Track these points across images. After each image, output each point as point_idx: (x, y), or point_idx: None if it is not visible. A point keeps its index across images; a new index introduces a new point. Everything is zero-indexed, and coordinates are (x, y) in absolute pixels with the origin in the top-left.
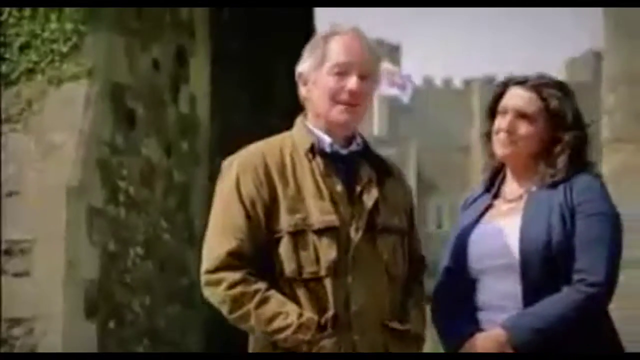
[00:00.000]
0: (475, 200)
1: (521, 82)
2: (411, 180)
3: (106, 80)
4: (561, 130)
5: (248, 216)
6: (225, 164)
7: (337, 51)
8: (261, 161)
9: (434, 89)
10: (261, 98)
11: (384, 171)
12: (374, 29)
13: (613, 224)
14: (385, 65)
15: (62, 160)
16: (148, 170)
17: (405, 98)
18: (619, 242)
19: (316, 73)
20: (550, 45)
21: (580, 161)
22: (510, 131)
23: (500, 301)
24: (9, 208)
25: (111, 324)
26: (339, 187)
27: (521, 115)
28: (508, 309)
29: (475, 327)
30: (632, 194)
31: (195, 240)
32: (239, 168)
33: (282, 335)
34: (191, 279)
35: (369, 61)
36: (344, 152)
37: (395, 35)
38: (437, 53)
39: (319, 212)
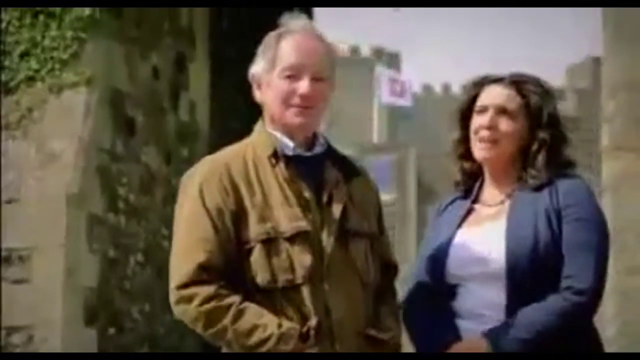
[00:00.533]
0: (451, 204)
1: (498, 80)
2: (411, 187)
3: (106, 87)
4: (539, 128)
5: (215, 227)
6: (186, 176)
7: (288, 52)
8: (225, 170)
9: (433, 95)
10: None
11: (351, 172)
12: (374, 37)
13: (600, 229)
14: (386, 73)
15: (61, 168)
16: (148, 177)
17: (407, 103)
18: (606, 247)
19: (269, 76)
20: (551, 52)
21: (560, 161)
22: (492, 127)
23: (481, 310)
24: (9, 215)
25: (111, 331)
26: (306, 192)
27: (502, 111)
28: (489, 317)
29: (452, 335)
30: (632, 201)
31: None
32: (202, 179)
33: (263, 349)
34: None
35: (322, 61)
36: (307, 154)
37: (394, 43)
38: (436, 60)
39: (288, 219)
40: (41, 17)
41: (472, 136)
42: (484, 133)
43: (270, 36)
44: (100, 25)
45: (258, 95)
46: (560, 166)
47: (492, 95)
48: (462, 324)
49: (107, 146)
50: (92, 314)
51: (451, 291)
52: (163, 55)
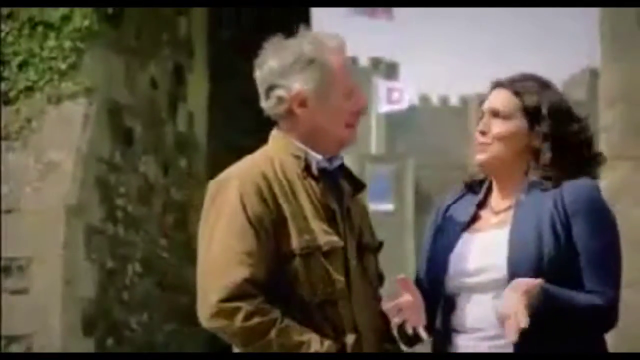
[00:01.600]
0: (454, 205)
1: (495, 85)
2: (409, 197)
3: (104, 98)
4: (537, 125)
5: (259, 238)
6: (217, 184)
7: (343, 73)
8: (262, 179)
9: (431, 106)
10: (259, 116)
11: (357, 185)
12: (371, 47)
13: (611, 231)
14: (384, 83)
15: (60, 178)
16: (146, 188)
17: (403, 107)
18: (620, 250)
19: (323, 96)
20: (549, 63)
21: (570, 160)
22: (484, 131)
23: (479, 323)
24: (7, 225)
25: (109, 342)
26: (334, 205)
27: (494, 113)
28: (487, 332)
29: (450, 347)
30: (630, 211)
31: (195, 258)
32: (241, 188)
33: None
34: (191, 297)
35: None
36: (330, 168)
37: (391, 53)
38: (434, 70)
39: (323, 233)
40: (39, 28)
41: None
42: (478, 138)
43: (309, 53)
44: (98, 36)
45: (299, 112)
46: (571, 164)
47: (490, 100)
48: (459, 339)
49: (105, 156)
50: (91, 324)
51: (451, 302)
52: (161, 66)
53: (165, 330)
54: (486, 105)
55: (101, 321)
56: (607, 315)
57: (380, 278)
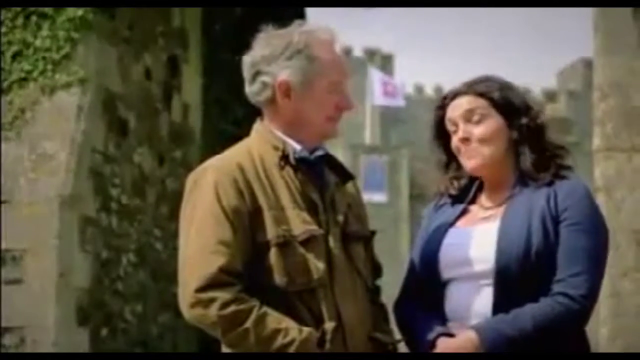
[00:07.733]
0: (447, 204)
1: (453, 95)
2: (404, 188)
3: (98, 88)
4: (515, 118)
5: (234, 228)
6: (193, 176)
7: (331, 67)
8: (238, 171)
9: (426, 97)
10: (253, 107)
11: (344, 175)
12: (366, 37)
13: (597, 234)
14: (380, 76)
15: (54, 169)
16: (140, 178)
17: (399, 103)
18: (603, 253)
19: (310, 88)
20: (544, 54)
21: (551, 150)
22: (467, 137)
23: (467, 312)
24: (1, 216)
25: (103, 332)
26: (314, 195)
27: (468, 118)
28: (474, 320)
29: (438, 336)
30: (624, 202)
31: None
32: (216, 179)
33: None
34: None
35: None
36: (311, 158)
37: (386, 43)
38: (429, 61)
39: (300, 222)
40: (33, 18)
41: (457, 155)
42: (463, 147)
43: (299, 44)
44: (92, 26)
45: (283, 103)
46: (555, 162)
47: (455, 110)
48: (448, 325)
49: (99, 147)
50: (85, 314)
51: (440, 291)
52: (156, 57)
53: (160, 321)
54: (454, 115)
55: (95, 311)
56: (575, 317)
57: (378, 269)
